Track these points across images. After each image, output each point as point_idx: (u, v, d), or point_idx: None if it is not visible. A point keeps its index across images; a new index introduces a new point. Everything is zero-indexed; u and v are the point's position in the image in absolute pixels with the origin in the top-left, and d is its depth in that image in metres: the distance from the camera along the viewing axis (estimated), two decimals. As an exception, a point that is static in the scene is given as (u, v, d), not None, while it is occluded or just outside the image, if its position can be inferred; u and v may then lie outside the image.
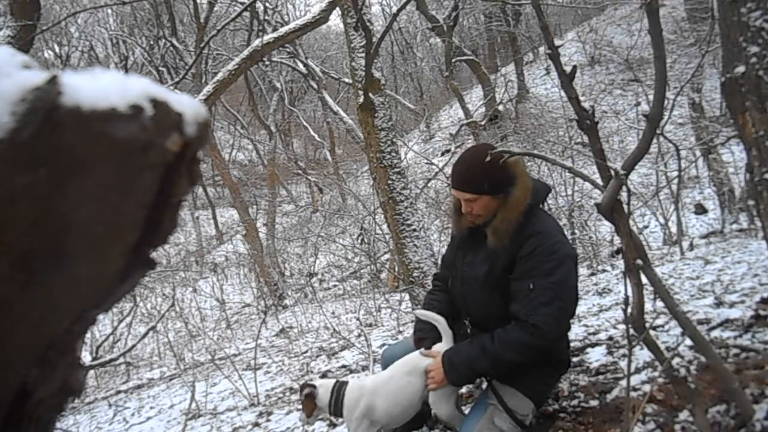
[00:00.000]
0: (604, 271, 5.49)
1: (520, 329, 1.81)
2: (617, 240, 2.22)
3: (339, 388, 2.06)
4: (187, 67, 7.82)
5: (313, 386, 2.08)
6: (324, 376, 2.11)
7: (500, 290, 1.93)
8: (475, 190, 1.90)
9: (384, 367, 2.31)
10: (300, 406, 2.13)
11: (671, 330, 2.70)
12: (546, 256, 1.82)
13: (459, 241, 2.13)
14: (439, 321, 2.05)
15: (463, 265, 2.07)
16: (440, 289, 2.26)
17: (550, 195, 2.11)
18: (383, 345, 4.28)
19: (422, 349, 2.05)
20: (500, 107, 12.47)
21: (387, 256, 8.69)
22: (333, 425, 2.71)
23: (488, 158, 1.78)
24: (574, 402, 2.23)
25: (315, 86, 11.90)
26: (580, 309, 3.89)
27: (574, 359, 2.73)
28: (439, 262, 3.08)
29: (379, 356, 3.82)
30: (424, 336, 2.12)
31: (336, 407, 2.04)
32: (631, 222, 1.98)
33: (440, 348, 2.01)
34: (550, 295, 1.78)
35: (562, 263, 1.82)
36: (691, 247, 5.83)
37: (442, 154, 12.04)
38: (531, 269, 1.83)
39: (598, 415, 2.09)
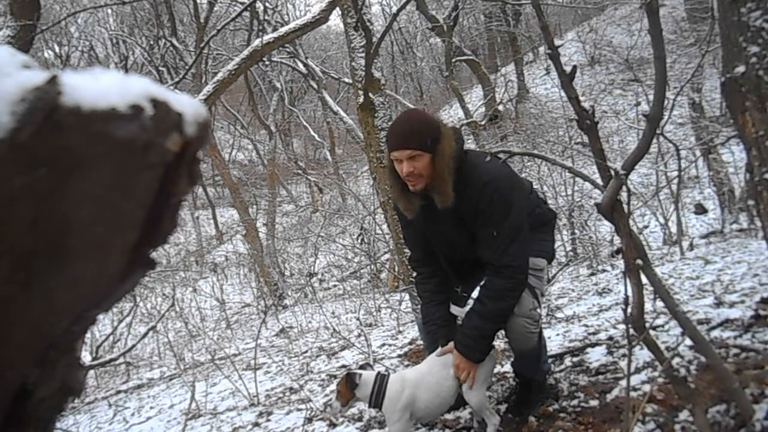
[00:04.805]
0: (604, 271, 5.50)
1: (497, 277, 1.97)
2: (617, 240, 2.22)
3: (381, 380, 2.07)
4: (187, 67, 7.81)
5: (357, 375, 2.08)
6: (363, 367, 2.11)
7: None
8: (421, 146, 1.89)
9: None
10: (335, 395, 2.11)
11: (671, 330, 2.70)
12: (502, 204, 1.95)
13: (417, 222, 2.11)
14: None
15: (442, 237, 2.14)
16: (427, 274, 2.27)
17: (550, 195, 2.20)
18: (383, 345, 4.28)
19: (439, 349, 2.13)
20: (500, 107, 12.46)
21: (387, 256, 8.69)
22: (333, 425, 2.70)
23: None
24: (574, 402, 2.23)
25: (315, 86, 11.89)
26: (580, 309, 3.89)
27: (575, 359, 2.73)
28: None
29: (379, 356, 3.82)
30: (438, 336, 2.19)
31: (377, 398, 2.04)
32: (631, 222, 1.98)
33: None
34: (512, 235, 1.95)
35: (513, 203, 1.97)
36: (691, 247, 5.83)
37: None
38: (491, 216, 1.95)
39: (598, 415, 2.09)
